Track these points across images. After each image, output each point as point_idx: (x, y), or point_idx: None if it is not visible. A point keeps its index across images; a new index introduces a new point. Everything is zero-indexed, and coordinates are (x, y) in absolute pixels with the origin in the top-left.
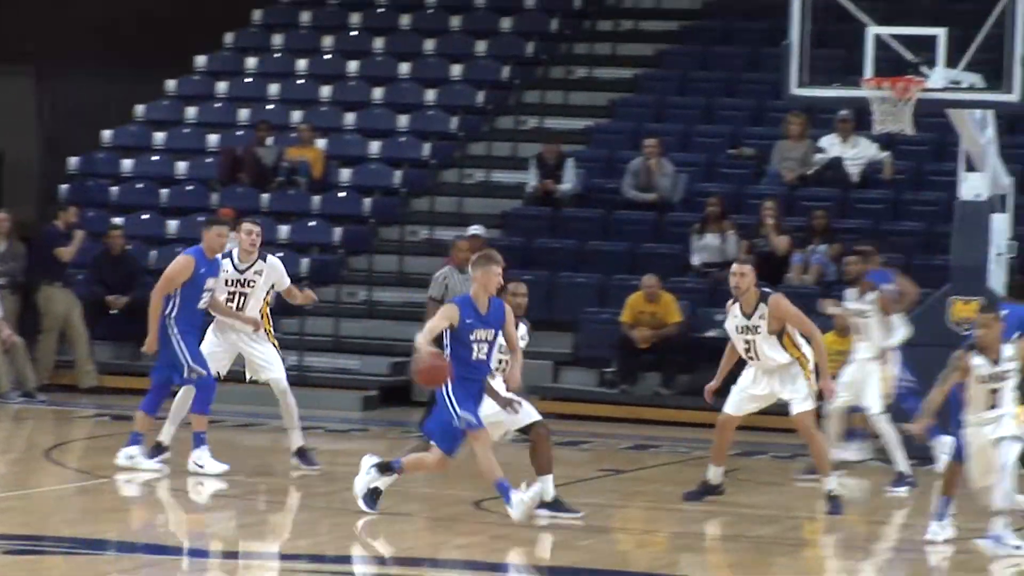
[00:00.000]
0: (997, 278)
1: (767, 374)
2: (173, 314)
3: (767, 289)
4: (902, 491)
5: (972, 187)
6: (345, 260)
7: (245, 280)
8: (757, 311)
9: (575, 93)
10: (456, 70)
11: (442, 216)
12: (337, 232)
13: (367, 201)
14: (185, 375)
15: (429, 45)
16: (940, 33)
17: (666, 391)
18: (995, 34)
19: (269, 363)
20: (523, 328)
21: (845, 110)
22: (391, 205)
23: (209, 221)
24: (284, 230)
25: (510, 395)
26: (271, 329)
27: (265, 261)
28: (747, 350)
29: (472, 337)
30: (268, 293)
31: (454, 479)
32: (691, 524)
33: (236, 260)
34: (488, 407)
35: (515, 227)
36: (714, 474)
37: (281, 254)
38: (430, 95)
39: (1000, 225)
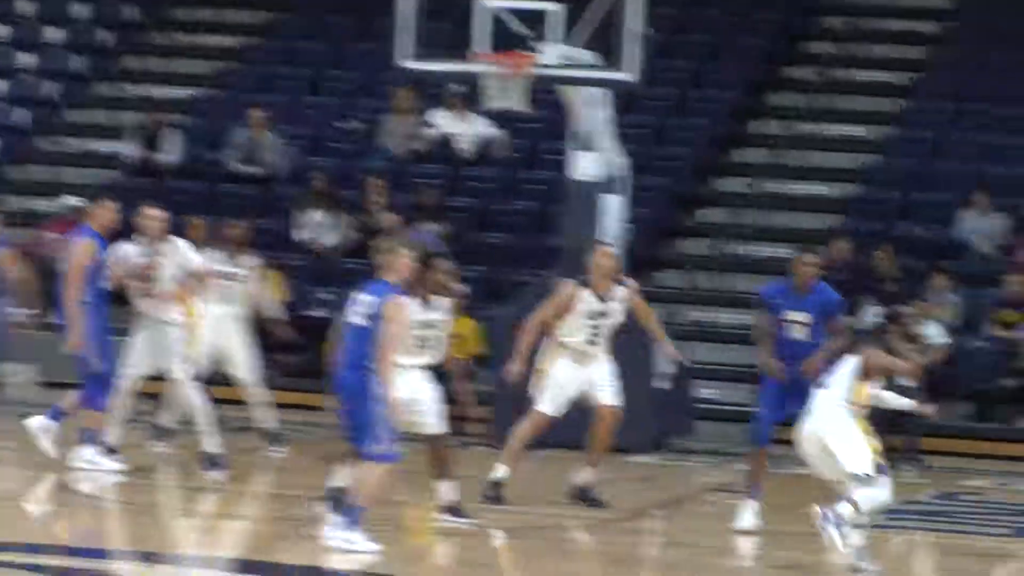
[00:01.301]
0: None
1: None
2: (87, 299)
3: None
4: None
5: (583, 167)
6: None
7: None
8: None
9: (178, 61)
10: (55, 34)
11: (38, 186)
12: None
13: None
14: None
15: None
16: (555, 8)
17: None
18: (611, 10)
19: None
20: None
21: (457, 85)
22: None
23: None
24: None
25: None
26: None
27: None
28: (594, 334)
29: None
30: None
31: None
32: None
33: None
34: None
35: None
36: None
37: None
38: (27, 59)
39: (613, 207)
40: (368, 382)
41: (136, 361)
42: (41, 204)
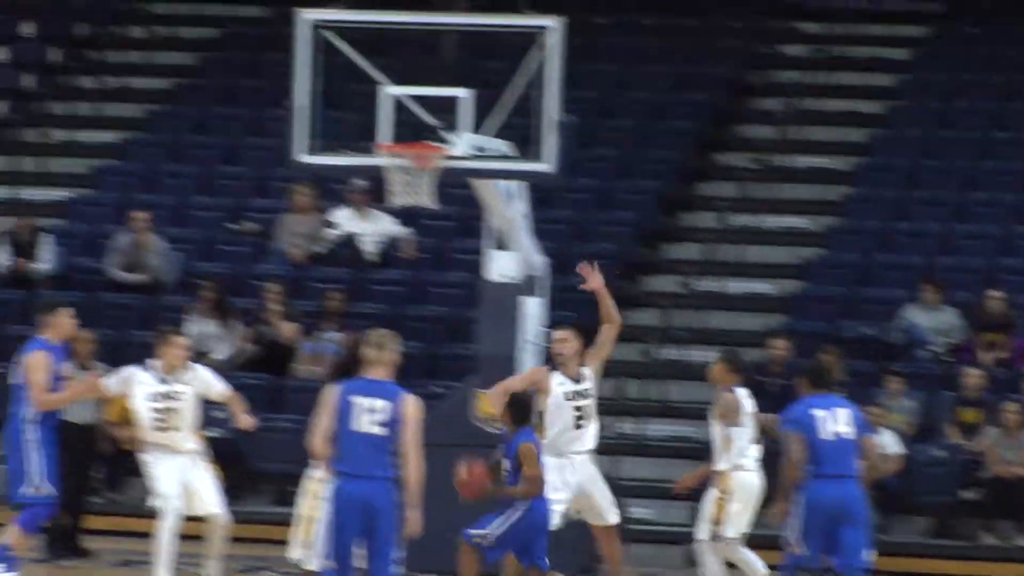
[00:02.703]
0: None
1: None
2: (30, 416)
3: None
4: None
5: (500, 267)
6: None
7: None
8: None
9: (52, 160)
10: None
11: None
12: None
13: None
14: (30, 491)
15: None
16: (464, 95)
17: None
18: (526, 95)
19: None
20: None
21: (360, 180)
22: None
23: (51, 304)
24: None
25: None
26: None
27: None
28: (579, 418)
29: None
30: None
31: None
32: None
33: (158, 372)
34: None
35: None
36: None
37: None
38: None
39: (533, 310)
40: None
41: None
42: None
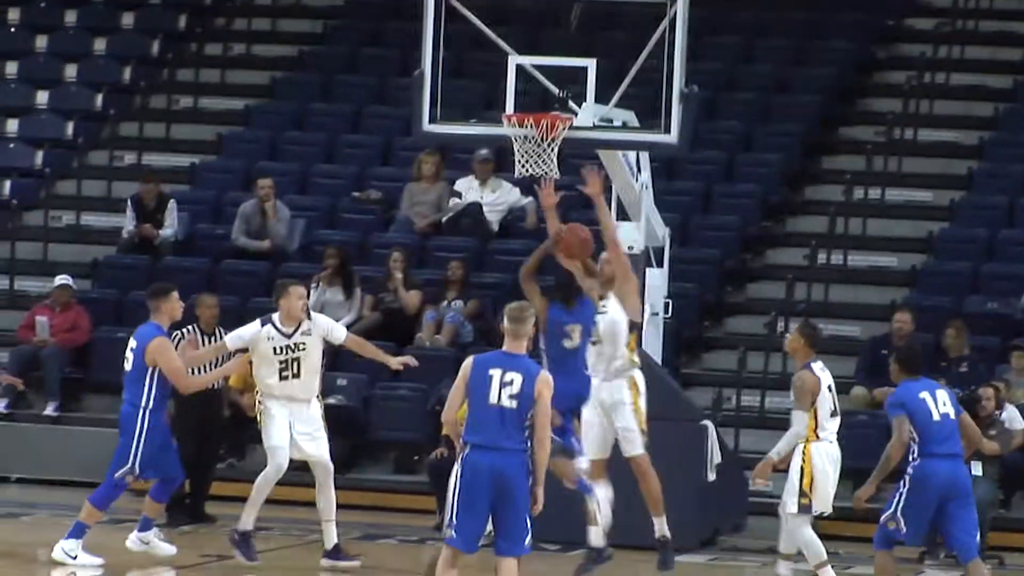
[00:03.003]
0: (653, 340)
1: None
2: (151, 407)
3: None
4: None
5: (625, 238)
6: None
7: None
8: None
9: (177, 126)
10: (42, 97)
11: (25, 265)
12: None
13: None
14: (122, 473)
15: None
16: (589, 65)
17: None
18: (650, 66)
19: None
20: None
21: (484, 150)
22: None
23: (165, 290)
24: None
25: None
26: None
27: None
28: None
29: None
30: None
31: None
32: None
33: (279, 325)
34: None
35: (107, 277)
36: None
37: None
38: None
39: (656, 281)
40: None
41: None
42: (30, 284)
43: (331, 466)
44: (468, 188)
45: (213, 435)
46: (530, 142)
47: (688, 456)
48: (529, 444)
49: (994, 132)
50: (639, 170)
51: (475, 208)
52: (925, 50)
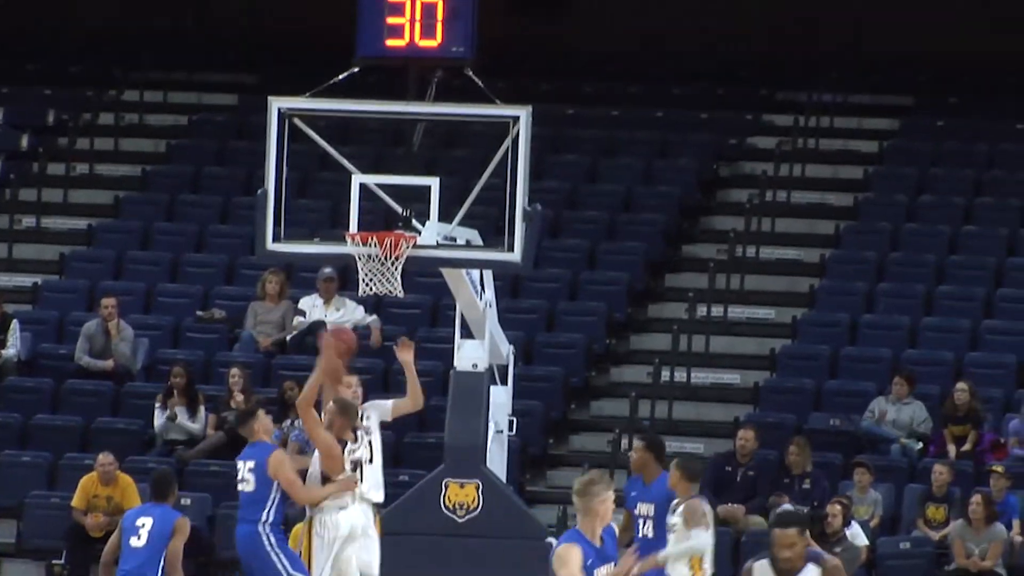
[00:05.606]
0: (497, 458)
1: None
2: (269, 520)
3: None
4: None
5: (468, 356)
6: None
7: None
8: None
9: (20, 246)
10: None
11: None
12: None
13: None
14: None
15: None
16: (433, 183)
17: None
18: (494, 184)
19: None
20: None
21: (328, 268)
22: None
23: (248, 412)
24: None
25: None
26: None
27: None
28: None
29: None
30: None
31: None
32: None
33: None
34: None
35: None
36: None
37: None
38: None
39: (500, 399)
40: None
41: None
42: None
43: None
44: (312, 306)
45: None
46: (374, 261)
47: (532, 574)
48: None
49: (836, 249)
50: (483, 288)
51: (319, 326)
52: (767, 168)
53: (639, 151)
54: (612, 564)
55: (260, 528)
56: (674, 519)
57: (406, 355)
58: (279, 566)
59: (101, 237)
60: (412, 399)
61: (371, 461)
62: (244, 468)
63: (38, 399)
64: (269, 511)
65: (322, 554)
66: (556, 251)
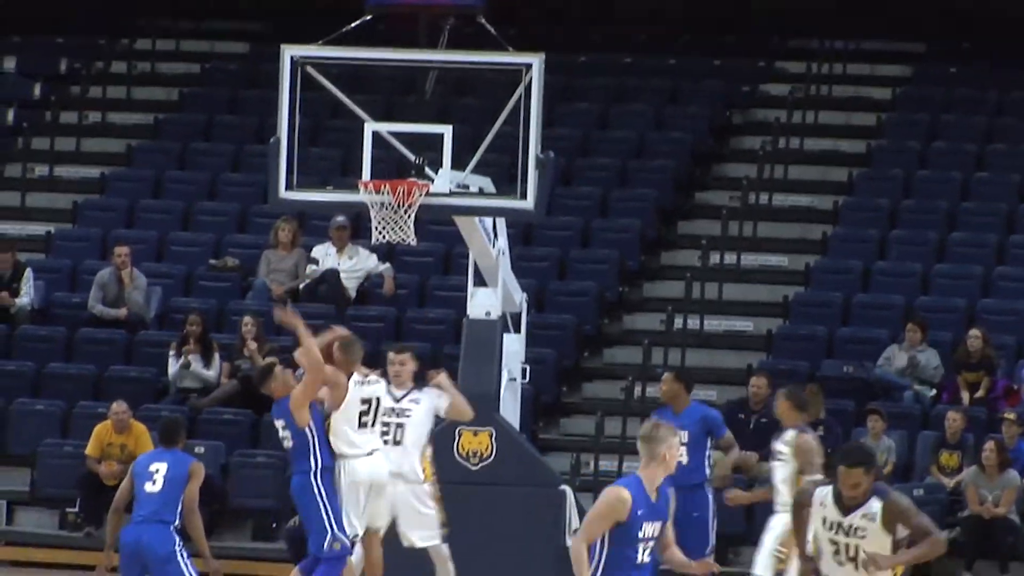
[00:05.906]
0: (510, 406)
1: None
2: (319, 467)
3: None
4: None
5: (481, 304)
6: None
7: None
8: None
9: (33, 195)
10: None
11: None
12: None
13: None
14: (325, 546)
15: None
16: (446, 131)
17: None
18: (506, 132)
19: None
20: None
21: (341, 216)
22: None
23: (269, 370)
24: None
25: None
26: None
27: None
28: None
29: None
30: None
31: None
32: None
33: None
34: None
35: None
36: None
37: None
38: None
39: (513, 347)
40: None
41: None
42: None
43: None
44: (325, 255)
45: None
46: (387, 209)
47: (546, 522)
48: None
49: (849, 197)
50: (496, 236)
51: (332, 275)
52: (780, 115)
53: (651, 99)
54: (662, 523)
55: (311, 478)
56: (781, 447)
57: (442, 382)
58: (324, 518)
59: (114, 186)
60: (458, 414)
61: (398, 443)
62: (280, 428)
63: (51, 348)
64: (315, 458)
65: (348, 499)
66: (568, 199)
